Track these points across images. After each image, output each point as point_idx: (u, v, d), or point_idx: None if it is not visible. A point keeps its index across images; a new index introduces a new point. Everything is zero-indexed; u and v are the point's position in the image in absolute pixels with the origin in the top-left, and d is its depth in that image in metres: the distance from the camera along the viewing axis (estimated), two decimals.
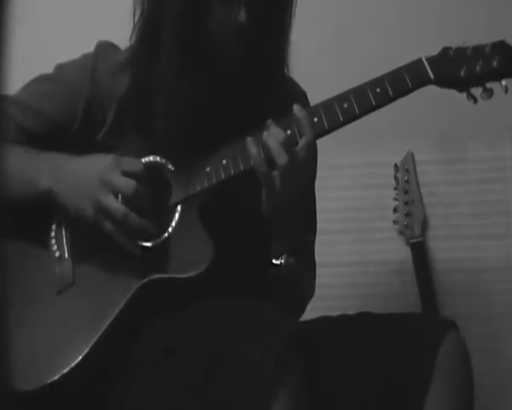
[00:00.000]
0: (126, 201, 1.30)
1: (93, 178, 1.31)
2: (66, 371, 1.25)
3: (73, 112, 1.40)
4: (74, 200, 1.32)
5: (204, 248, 1.29)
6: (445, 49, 1.31)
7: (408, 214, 2.08)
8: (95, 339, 1.27)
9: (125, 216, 1.28)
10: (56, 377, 1.25)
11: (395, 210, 2.10)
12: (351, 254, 2.14)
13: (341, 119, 1.30)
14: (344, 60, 2.13)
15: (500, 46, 1.28)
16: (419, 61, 1.30)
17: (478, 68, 1.27)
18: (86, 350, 1.26)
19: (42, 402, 1.27)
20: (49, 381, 1.25)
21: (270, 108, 1.34)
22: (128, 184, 1.30)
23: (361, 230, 2.14)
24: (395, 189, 2.11)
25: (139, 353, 1.26)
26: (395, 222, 2.10)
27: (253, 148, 1.28)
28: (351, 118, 1.30)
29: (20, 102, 1.41)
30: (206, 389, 1.12)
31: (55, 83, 1.43)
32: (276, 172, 1.27)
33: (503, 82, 1.27)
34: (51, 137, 1.40)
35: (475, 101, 1.30)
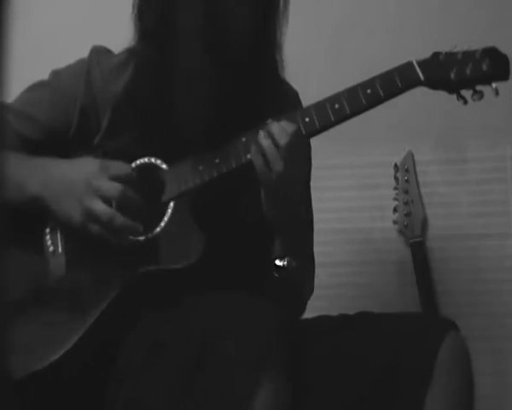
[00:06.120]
0: (116, 205, 1.33)
1: (81, 183, 1.33)
2: (54, 359, 1.27)
3: (69, 118, 1.43)
4: (62, 205, 1.34)
5: (195, 242, 1.31)
6: (436, 54, 1.33)
7: (408, 214, 2.08)
8: (84, 329, 1.29)
9: (111, 218, 1.31)
10: (45, 365, 1.27)
11: (395, 210, 2.10)
12: (350, 254, 2.14)
13: (332, 118, 1.32)
14: (345, 60, 2.13)
15: (490, 51, 1.29)
16: (409, 63, 1.32)
17: (468, 71, 1.29)
18: (75, 339, 1.28)
19: (30, 391, 1.27)
20: (39, 367, 1.27)
21: (264, 109, 1.37)
22: (115, 188, 1.32)
23: (361, 230, 2.14)
24: (395, 189, 2.11)
25: (129, 346, 1.27)
26: (395, 222, 2.10)
27: (253, 144, 1.30)
28: (342, 118, 1.33)
29: (17, 110, 1.44)
30: (192, 382, 1.14)
31: (50, 90, 1.46)
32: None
33: (494, 85, 1.28)
34: (48, 144, 1.43)
35: (465, 102, 1.32)
